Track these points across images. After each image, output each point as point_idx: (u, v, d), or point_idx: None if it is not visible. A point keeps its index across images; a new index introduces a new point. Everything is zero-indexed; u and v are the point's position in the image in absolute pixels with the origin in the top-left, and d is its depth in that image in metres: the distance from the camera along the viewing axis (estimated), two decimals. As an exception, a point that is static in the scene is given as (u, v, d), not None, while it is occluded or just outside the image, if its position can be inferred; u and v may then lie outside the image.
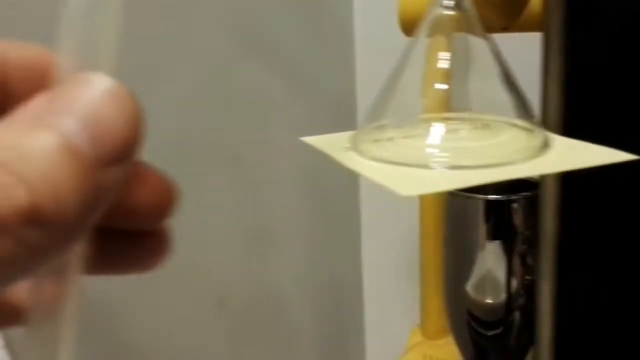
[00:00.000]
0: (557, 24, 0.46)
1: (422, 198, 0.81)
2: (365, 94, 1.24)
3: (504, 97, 0.37)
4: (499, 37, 0.43)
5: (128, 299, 0.78)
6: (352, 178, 1.20)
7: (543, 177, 0.48)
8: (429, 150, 0.34)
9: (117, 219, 0.22)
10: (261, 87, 1.02)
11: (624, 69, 0.47)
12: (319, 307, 1.24)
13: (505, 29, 0.68)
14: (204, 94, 0.91)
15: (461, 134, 0.36)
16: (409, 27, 0.75)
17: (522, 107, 0.36)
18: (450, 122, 0.37)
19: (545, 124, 0.46)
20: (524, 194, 0.55)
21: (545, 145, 0.34)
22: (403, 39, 0.76)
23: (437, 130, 0.36)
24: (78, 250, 0.20)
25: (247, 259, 1.04)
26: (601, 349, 0.52)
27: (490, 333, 0.61)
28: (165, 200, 0.22)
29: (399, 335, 1.03)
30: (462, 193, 0.59)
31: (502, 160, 0.33)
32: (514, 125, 0.36)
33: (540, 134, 0.35)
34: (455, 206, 0.61)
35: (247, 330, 1.05)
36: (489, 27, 0.70)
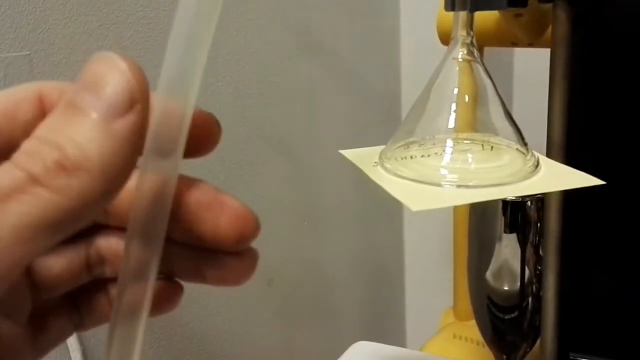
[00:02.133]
0: (561, 57, 0.53)
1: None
2: (409, 89, 1.29)
3: (506, 124, 0.45)
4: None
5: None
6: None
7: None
8: (442, 171, 0.42)
9: (201, 241, 0.26)
10: (313, 83, 1.07)
11: (623, 95, 0.54)
12: (363, 288, 1.29)
13: (530, 44, 0.75)
14: (260, 89, 0.95)
15: (470, 156, 0.43)
16: (447, 39, 0.82)
17: (518, 134, 0.44)
18: (464, 142, 0.45)
19: (549, 142, 0.54)
20: (536, 195, 0.63)
21: (536, 167, 0.42)
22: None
23: (450, 152, 0.44)
24: (156, 260, 0.25)
25: (296, 242, 1.08)
26: (599, 332, 0.59)
27: (506, 317, 0.67)
28: (244, 227, 0.26)
29: (436, 316, 1.06)
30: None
31: (501, 181, 0.40)
32: (514, 148, 0.44)
33: (532, 157, 0.43)
34: (479, 205, 0.68)
35: (294, 308, 1.09)
36: (517, 43, 0.78)
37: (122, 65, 0.23)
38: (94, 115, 0.22)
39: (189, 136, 0.25)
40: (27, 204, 0.21)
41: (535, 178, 0.41)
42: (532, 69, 0.87)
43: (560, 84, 0.53)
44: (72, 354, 0.69)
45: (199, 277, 0.29)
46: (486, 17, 0.75)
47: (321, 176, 1.12)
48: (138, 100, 0.23)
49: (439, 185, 0.40)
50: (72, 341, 0.69)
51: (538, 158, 0.43)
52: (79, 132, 0.22)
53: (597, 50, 0.54)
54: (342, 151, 0.47)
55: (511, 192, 0.40)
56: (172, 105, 0.24)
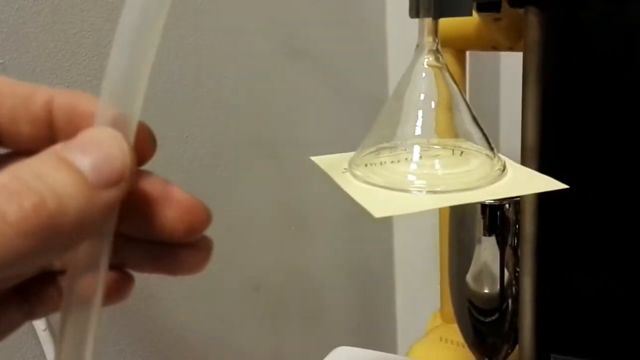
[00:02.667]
0: (533, 61, 0.53)
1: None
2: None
3: (475, 129, 0.45)
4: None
5: (167, 285, 0.80)
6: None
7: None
8: (409, 177, 0.42)
9: (150, 234, 0.26)
10: (298, 87, 1.06)
11: (596, 99, 0.54)
12: (353, 293, 1.29)
13: (510, 48, 0.75)
14: (246, 94, 0.95)
15: (439, 161, 0.43)
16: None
17: (485, 139, 0.44)
18: (435, 148, 0.45)
19: (523, 147, 0.54)
20: (513, 198, 0.63)
21: (503, 171, 0.42)
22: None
23: (419, 158, 0.44)
24: (106, 254, 0.25)
25: (283, 247, 1.08)
26: (576, 334, 0.59)
27: (487, 319, 0.68)
28: (192, 218, 0.26)
29: (426, 318, 1.07)
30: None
31: (469, 186, 0.40)
32: (483, 153, 0.44)
33: (499, 161, 0.43)
34: (458, 208, 0.69)
35: (282, 314, 1.08)
36: (497, 47, 0.78)
37: (123, 143, 0.24)
38: (83, 176, 0.23)
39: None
40: None
41: (501, 182, 0.41)
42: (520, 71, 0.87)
43: (532, 89, 0.54)
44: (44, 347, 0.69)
45: (152, 269, 0.29)
46: (467, 22, 0.75)
47: (309, 181, 1.11)
48: (126, 179, 0.24)
49: (407, 191, 0.40)
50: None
51: (505, 162, 0.43)
52: (62, 187, 0.22)
53: (569, 55, 0.54)
54: (313, 158, 0.47)
55: (477, 197, 0.40)
56: (118, 111, 0.25)
